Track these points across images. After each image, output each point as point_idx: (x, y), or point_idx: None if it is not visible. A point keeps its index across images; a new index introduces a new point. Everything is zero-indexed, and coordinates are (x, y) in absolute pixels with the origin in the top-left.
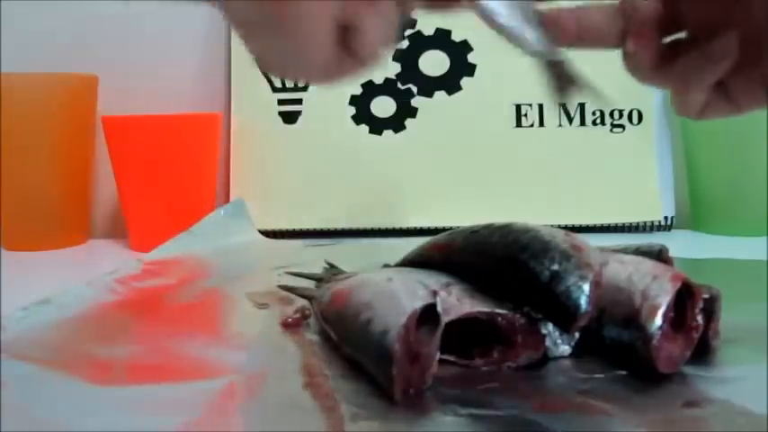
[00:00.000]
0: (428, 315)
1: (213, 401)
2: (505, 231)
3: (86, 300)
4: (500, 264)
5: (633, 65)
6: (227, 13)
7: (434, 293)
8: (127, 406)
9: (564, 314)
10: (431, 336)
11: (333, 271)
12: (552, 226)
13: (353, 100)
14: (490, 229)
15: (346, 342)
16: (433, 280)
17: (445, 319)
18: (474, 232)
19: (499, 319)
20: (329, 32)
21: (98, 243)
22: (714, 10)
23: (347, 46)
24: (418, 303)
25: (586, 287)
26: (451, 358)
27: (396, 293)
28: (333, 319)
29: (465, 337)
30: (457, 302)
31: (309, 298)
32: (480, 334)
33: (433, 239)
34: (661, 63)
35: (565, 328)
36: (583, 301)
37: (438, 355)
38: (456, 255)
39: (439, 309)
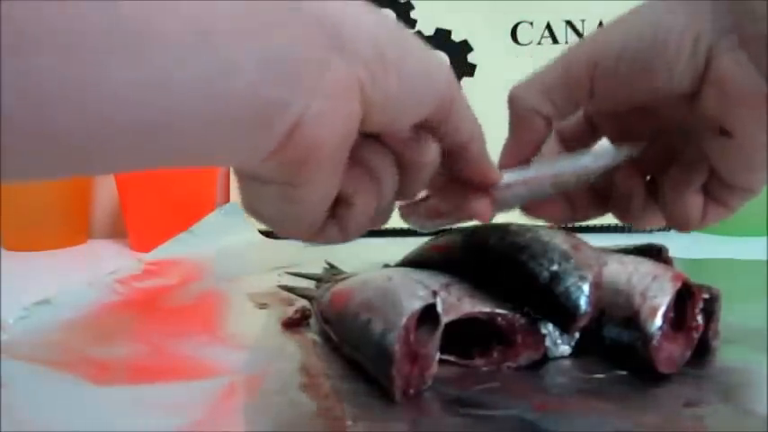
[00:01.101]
0: (428, 315)
1: (213, 401)
2: (504, 232)
3: (86, 300)
4: (499, 264)
5: (625, 213)
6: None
7: (434, 293)
8: (127, 406)
9: (564, 315)
10: (430, 336)
11: (333, 271)
12: (552, 226)
13: None
14: (489, 229)
15: (346, 342)
16: (433, 280)
17: (445, 319)
18: (473, 233)
19: (499, 319)
20: (329, 201)
21: (98, 243)
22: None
23: (336, 215)
24: (418, 304)
25: (586, 288)
26: (451, 358)
27: (396, 294)
28: (333, 320)
29: (465, 337)
30: (457, 302)
31: (309, 298)
32: (480, 334)
33: (432, 239)
34: (647, 201)
35: (564, 328)
36: (582, 302)
37: (438, 356)
38: (455, 255)
39: (439, 309)
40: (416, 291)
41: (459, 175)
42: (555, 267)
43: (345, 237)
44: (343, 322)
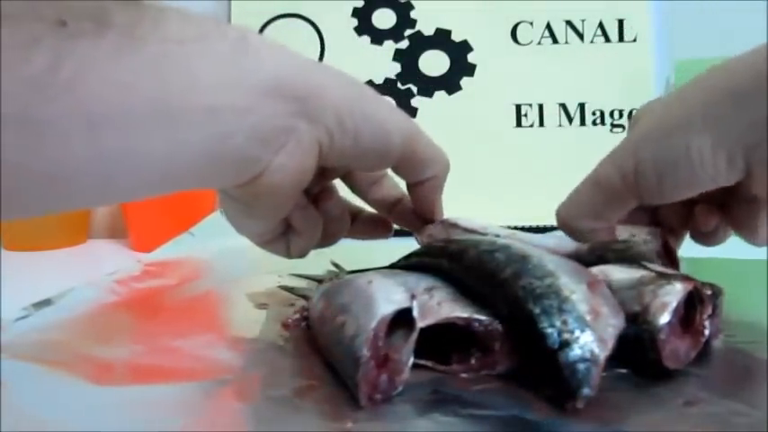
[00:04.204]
0: (405, 319)
1: (213, 401)
2: (521, 268)
3: (86, 300)
4: (509, 306)
5: (703, 241)
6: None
7: (412, 297)
8: (127, 406)
9: (564, 390)
10: (406, 340)
11: (335, 272)
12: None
13: None
14: (506, 254)
15: (323, 345)
16: (418, 283)
17: (422, 323)
18: (488, 252)
19: (476, 324)
20: (275, 223)
21: (98, 243)
22: None
23: (287, 236)
24: (391, 308)
25: (595, 371)
26: (429, 363)
27: (371, 297)
28: (315, 322)
29: (447, 343)
30: (437, 306)
31: (308, 298)
32: (461, 339)
33: (444, 243)
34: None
35: (561, 403)
36: (587, 384)
37: (412, 361)
38: (464, 274)
39: (415, 313)
40: (393, 294)
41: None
42: (566, 336)
43: (289, 255)
44: (322, 324)
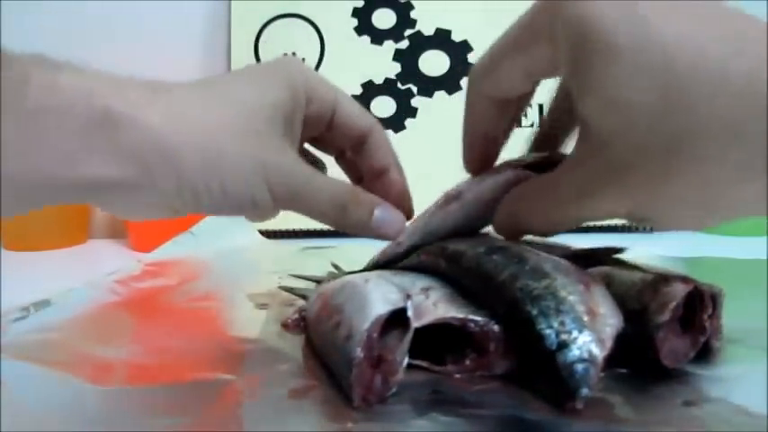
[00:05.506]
0: (400, 319)
1: (213, 401)
2: (518, 269)
3: (86, 300)
4: (507, 307)
5: None
6: None
7: (408, 297)
8: (126, 406)
9: (562, 390)
10: (400, 341)
11: (335, 273)
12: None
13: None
14: (503, 255)
15: (318, 346)
16: (414, 283)
17: (416, 324)
18: (486, 254)
19: (472, 325)
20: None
21: (98, 243)
22: None
23: None
24: (385, 308)
25: (593, 371)
26: (424, 364)
27: (365, 297)
28: (311, 322)
29: (444, 343)
30: (432, 307)
31: (307, 299)
32: (458, 340)
33: (441, 244)
34: None
35: (559, 403)
36: (585, 384)
37: (407, 361)
38: (462, 275)
39: (409, 314)
40: (389, 294)
41: None
42: (564, 337)
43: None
44: (318, 324)
